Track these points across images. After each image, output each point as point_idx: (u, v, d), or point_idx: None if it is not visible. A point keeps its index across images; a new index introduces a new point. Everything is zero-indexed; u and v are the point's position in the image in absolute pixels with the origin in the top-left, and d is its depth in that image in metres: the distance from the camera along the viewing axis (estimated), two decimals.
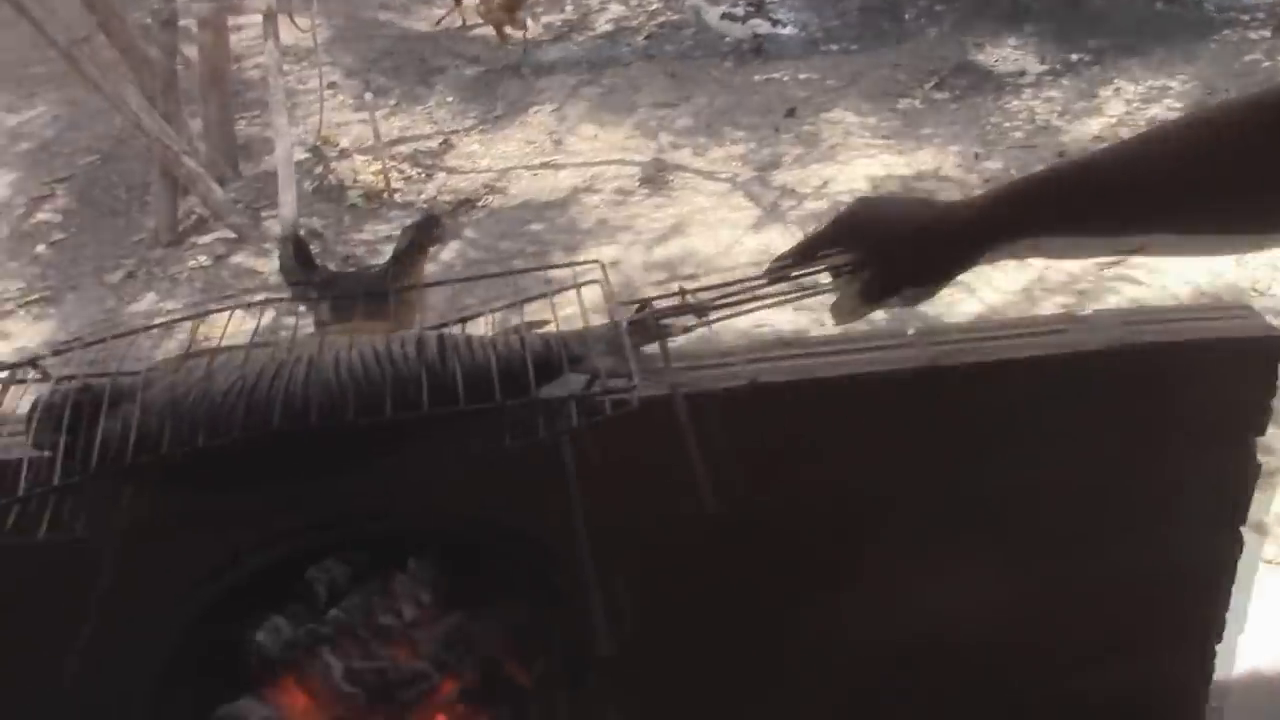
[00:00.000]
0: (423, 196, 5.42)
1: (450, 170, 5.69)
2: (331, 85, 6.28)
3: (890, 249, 1.21)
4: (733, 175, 5.42)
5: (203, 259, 5.05)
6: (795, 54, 6.61)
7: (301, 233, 4.33)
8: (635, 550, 1.32)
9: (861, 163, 5.43)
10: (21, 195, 5.72)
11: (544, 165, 5.68)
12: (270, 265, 4.92)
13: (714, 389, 1.71)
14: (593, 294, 1.31)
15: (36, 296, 4.83)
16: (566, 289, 1.30)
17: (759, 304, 1.27)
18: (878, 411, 1.74)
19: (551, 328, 1.27)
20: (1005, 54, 6.38)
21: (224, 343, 1.21)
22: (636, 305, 1.24)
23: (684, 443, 1.05)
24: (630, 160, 5.57)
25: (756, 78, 6.34)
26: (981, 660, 1.79)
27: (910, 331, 1.81)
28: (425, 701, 1.24)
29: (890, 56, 6.43)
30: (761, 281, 1.27)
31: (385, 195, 5.39)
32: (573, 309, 1.29)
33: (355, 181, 5.56)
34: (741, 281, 1.27)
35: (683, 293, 1.21)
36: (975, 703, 1.86)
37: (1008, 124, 5.72)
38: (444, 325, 1.22)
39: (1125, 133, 5.48)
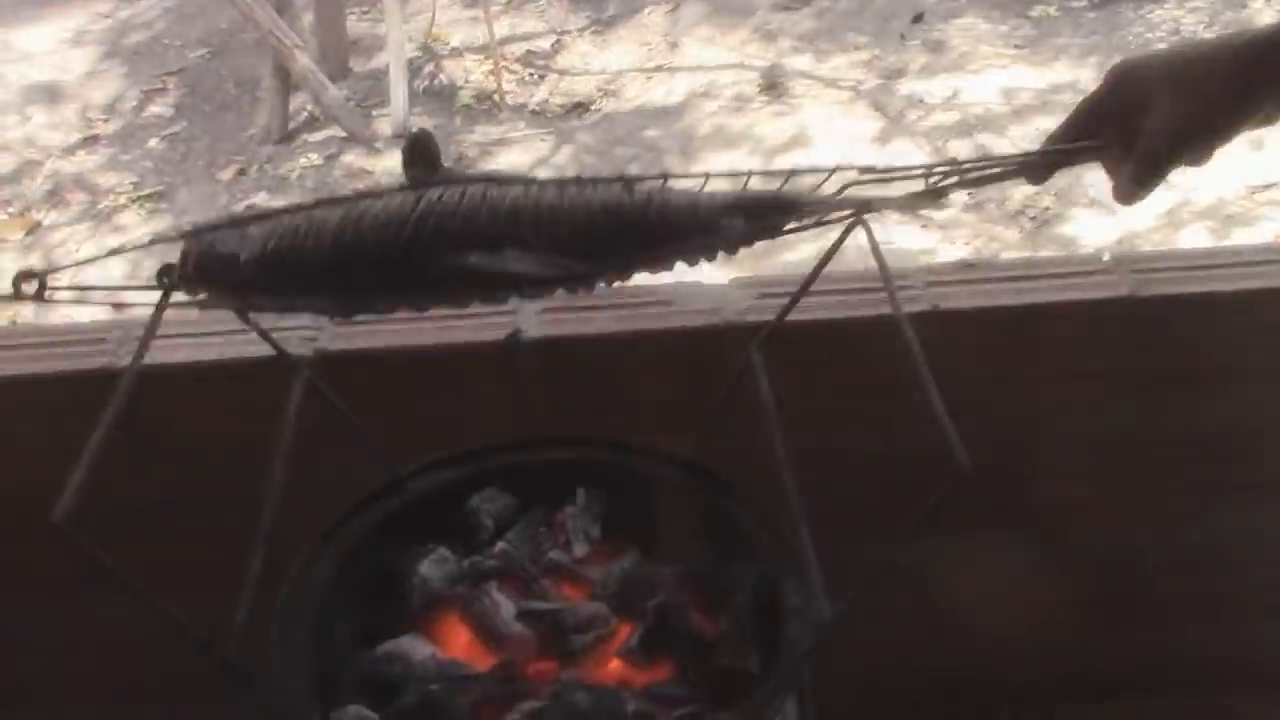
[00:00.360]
0: (534, 99, 5.29)
1: (562, 72, 5.54)
2: None
3: (1164, 106, 1.05)
4: (856, 83, 5.20)
5: (314, 157, 4.98)
6: None
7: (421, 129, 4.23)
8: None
9: (992, 73, 5.17)
10: (134, 89, 5.69)
11: (658, 69, 5.50)
12: (382, 165, 4.85)
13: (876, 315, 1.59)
14: None
15: (150, 191, 4.81)
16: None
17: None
18: (1071, 341, 1.61)
19: None
20: None
21: None
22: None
23: (917, 368, 0.92)
24: (748, 65, 5.37)
25: None
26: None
27: (1106, 258, 1.67)
28: (600, 647, 1.15)
29: None
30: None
31: (497, 97, 5.27)
32: None
33: (466, 82, 5.44)
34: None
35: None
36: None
37: (1150, 35, 5.40)
38: None
39: None
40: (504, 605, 1.18)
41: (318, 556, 1.20)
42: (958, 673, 1.87)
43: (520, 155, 4.80)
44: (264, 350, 1.23)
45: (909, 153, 4.53)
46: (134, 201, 4.75)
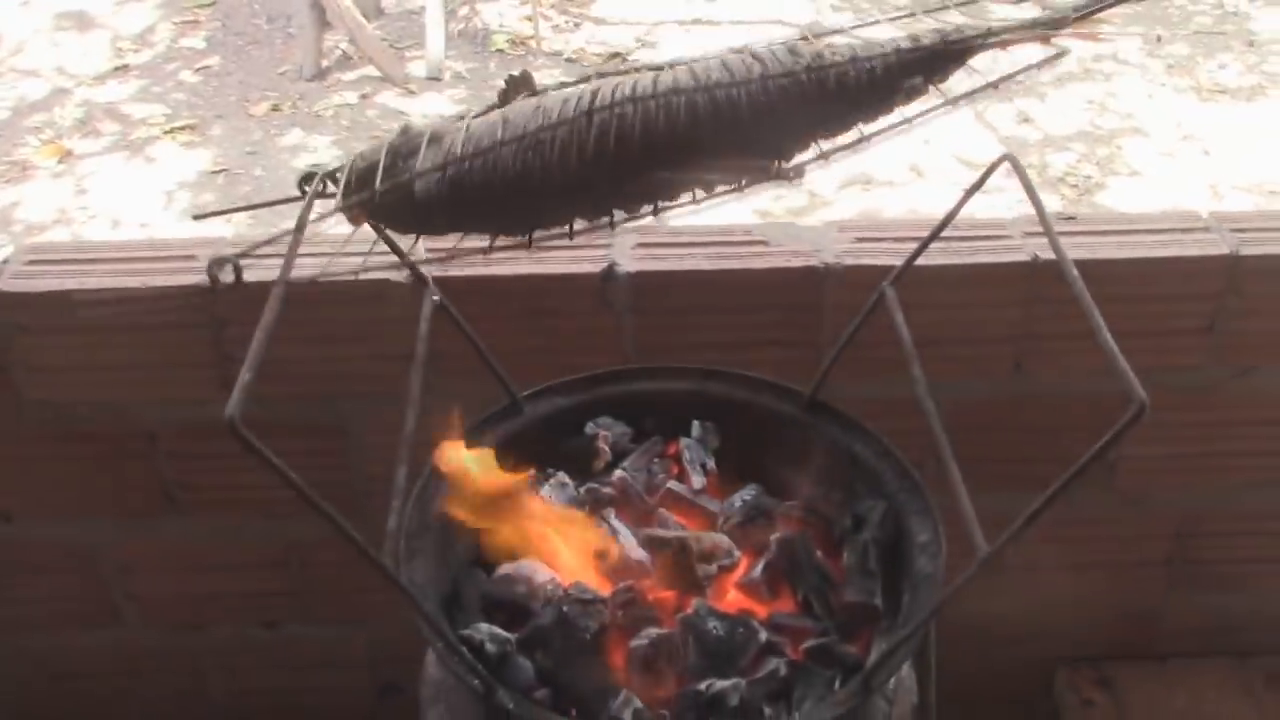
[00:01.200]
0: (571, 46, 5.24)
1: (598, 21, 5.49)
2: None
3: None
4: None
5: (348, 96, 4.94)
6: None
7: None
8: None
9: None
10: (165, 20, 5.63)
11: (696, 22, 5.45)
12: (418, 107, 4.81)
13: (993, 262, 1.59)
14: None
15: (182, 124, 4.77)
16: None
17: None
18: (1169, 298, 1.60)
19: None
20: None
21: None
22: None
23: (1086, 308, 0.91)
24: (788, 23, 5.32)
25: None
26: None
27: (1205, 215, 1.66)
28: (723, 577, 1.14)
29: None
30: None
31: (533, 42, 5.22)
32: None
33: (501, 26, 5.39)
34: None
35: None
36: None
37: (1192, 6, 5.36)
38: None
39: None
40: (623, 532, 1.17)
41: (440, 472, 1.19)
42: (1019, 627, 1.87)
43: None
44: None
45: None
46: (166, 133, 4.71)
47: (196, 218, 1.22)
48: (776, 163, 0.93)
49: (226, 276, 0.84)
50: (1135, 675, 1.89)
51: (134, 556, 1.74)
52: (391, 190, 0.92)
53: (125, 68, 5.25)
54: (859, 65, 0.94)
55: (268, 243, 0.86)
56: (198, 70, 5.20)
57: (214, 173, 4.39)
